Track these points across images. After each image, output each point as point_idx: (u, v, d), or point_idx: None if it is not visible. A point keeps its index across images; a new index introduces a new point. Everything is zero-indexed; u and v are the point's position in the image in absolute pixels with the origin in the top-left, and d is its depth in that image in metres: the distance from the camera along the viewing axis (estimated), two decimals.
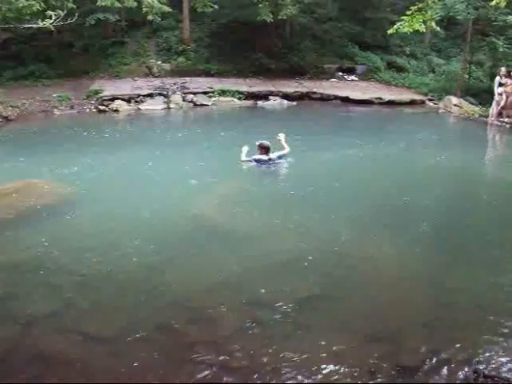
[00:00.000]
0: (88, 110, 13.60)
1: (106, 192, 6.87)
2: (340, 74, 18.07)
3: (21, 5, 10.05)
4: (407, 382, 3.21)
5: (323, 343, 3.54)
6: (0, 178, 7.06)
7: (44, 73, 15.73)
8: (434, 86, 16.58)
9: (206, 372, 3.27)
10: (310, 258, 4.87)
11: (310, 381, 3.20)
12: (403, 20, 8.62)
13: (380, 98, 15.30)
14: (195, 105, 14.47)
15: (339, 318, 3.92)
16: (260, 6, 15.57)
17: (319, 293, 4.25)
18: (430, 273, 4.76)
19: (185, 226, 5.66)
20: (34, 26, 10.50)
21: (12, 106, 12.62)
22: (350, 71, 18.13)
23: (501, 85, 12.66)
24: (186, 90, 14.89)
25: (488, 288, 4.43)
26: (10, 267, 4.70)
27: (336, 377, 3.23)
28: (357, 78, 17.90)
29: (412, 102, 15.42)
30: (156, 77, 16.43)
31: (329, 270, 4.68)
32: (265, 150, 7.74)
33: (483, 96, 14.42)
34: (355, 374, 3.25)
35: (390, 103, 15.16)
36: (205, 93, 14.94)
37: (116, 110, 13.57)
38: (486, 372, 3.25)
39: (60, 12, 10.53)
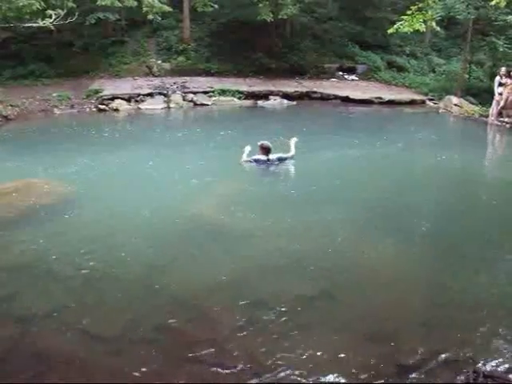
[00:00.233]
0: (88, 110, 13.60)
1: (106, 191, 6.87)
2: (340, 73, 18.05)
3: (21, 4, 10.07)
4: (407, 382, 3.21)
5: (323, 343, 3.54)
6: (0, 177, 7.07)
7: (44, 72, 15.71)
8: (434, 85, 16.57)
9: (206, 371, 3.27)
10: (310, 258, 4.87)
11: (309, 381, 3.20)
12: (403, 20, 8.63)
13: (380, 98, 15.30)
14: (195, 104, 14.47)
15: (339, 318, 3.92)
16: (260, 5, 15.56)
17: (318, 293, 4.25)
18: (428, 273, 4.76)
19: (184, 226, 5.66)
20: (34, 25, 10.52)
21: (12, 106, 12.60)
22: (350, 71, 18.12)
23: (501, 85, 12.65)
24: (186, 90, 14.89)
25: (487, 288, 4.43)
26: (9, 266, 4.70)
27: (336, 377, 3.23)
28: (357, 78, 17.89)
29: (412, 102, 15.41)
30: (156, 76, 16.43)
31: (328, 269, 4.68)
32: (265, 150, 7.76)
33: (483, 96, 14.42)
34: (355, 374, 3.25)
35: (390, 103, 15.16)
36: (205, 92, 14.94)
37: (116, 110, 13.56)
38: (486, 372, 3.25)
39: (60, 11, 10.56)
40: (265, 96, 15.33)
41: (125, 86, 14.94)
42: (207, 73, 16.84)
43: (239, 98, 15.04)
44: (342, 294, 4.29)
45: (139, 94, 14.29)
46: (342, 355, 3.42)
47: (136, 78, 16.13)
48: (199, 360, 3.36)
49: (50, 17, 10.31)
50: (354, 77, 17.96)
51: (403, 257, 5.01)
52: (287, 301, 4.06)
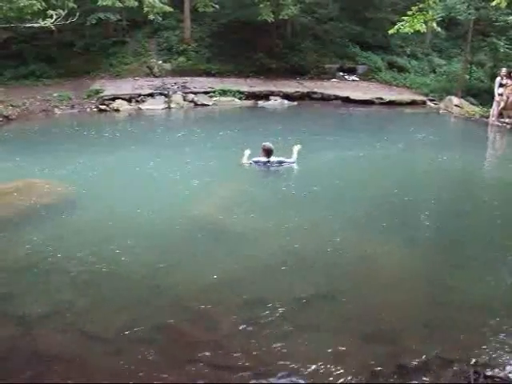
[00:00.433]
0: (89, 110, 13.60)
1: (107, 191, 6.87)
2: (341, 74, 18.03)
3: (22, 4, 10.07)
4: (407, 382, 3.21)
5: (323, 343, 3.54)
6: (0, 177, 7.07)
7: (45, 72, 15.73)
8: (434, 86, 16.56)
9: (206, 371, 3.27)
10: (310, 258, 4.87)
11: (309, 381, 3.19)
12: (404, 20, 8.61)
13: (381, 98, 15.28)
14: (196, 104, 14.46)
15: (339, 318, 3.92)
16: (261, 5, 15.57)
17: (319, 292, 4.25)
18: (430, 273, 4.76)
19: (186, 226, 5.66)
20: (35, 25, 10.51)
21: (13, 106, 12.61)
22: (351, 71, 18.10)
23: (501, 85, 12.64)
24: (186, 90, 14.88)
25: (488, 288, 4.42)
26: (10, 266, 4.70)
27: (336, 377, 3.22)
28: (357, 78, 17.87)
29: (413, 103, 15.39)
30: (157, 76, 16.43)
31: (329, 269, 4.69)
32: (266, 152, 7.75)
33: (484, 96, 14.41)
34: (355, 374, 3.25)
35: (391, 103, 15.14)
36: (206, 93, 14.94)
37: (117, 110, 13.56)
38: (487, 372, 3.24)
39: (61, 11, 10.54)
40: (265, 96, 15.32)
41: (125, 87, 14.95)
42: (208, 73, 16.83)
43: (240, 99, 15.03)
44: (343, 293, 4.29)
45: (140, 95, 14.29)
46: (343, 355, 3.42)
47: (137, 78, 16.14)
48: (199, 360, 3.36)
49: (51, 17, 10.31)
50: (354, 77, 17.95)
51: (405, 257, 5.01)
52: (288, 301, 4.06)
